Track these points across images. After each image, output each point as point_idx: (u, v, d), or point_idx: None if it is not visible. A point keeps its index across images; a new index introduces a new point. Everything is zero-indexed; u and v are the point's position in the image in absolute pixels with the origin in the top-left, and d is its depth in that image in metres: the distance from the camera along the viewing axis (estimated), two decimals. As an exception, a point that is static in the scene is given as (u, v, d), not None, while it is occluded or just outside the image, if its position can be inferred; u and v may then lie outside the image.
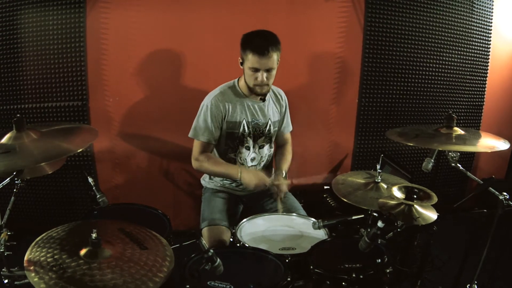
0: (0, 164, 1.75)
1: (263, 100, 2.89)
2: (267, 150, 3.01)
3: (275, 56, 2.65)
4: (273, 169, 3.10)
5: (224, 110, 2.78)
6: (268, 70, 2.67)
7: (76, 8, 3.17)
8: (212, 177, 3.04)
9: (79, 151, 1.96)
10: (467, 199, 2.45)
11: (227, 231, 2.68)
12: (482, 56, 4.07)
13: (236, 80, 2.89)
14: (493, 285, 2.75)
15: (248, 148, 2.91)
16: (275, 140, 3.12)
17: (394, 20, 3.66)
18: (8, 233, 1.94)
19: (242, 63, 2.74)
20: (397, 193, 2.06)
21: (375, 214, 2.39)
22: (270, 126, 2.94)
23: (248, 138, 2.88)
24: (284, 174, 2.92)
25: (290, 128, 3.20)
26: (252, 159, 2.95)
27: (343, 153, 3.98)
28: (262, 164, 3.01)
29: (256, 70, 2.66)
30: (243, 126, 2.84)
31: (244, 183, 2.71)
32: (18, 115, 1.96)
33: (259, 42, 2.63)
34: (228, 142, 2.87)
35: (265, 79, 2.68)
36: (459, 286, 2.65)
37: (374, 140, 3.94)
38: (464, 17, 3.87)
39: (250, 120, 2.86)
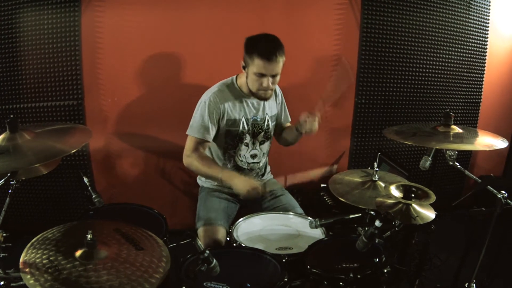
0: (-6, 166, 1.74)
1: None
2: (267, 146, 3.01)
3: (281, 62, 2.61)
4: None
5: (222, 108, 2.76)
6: (274, 76, 2.64)
7: (71, 7, 3.15)
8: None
9: (73, 152, 1.94)
10: (466, 198, 2.44)
11: (223, 230, 2.66)
12: (479, 53, 4.06)
13: (234, 77, 2.86)
14: (492, 283, 2.75)
15: (246, 145, 2.90)
16: (276, 133, 3.12)
17: (390, 18, 3.65)
18: (4, 235, 1.93)
19: (244, 67, 2.69)
20: (394, 192, 2.05)
21: (372, 213, 2.38)
22: (268, 121, 2.93)
23: (247, 135, 2.87)
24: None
25: (289, 119, 3.17)
26: (253, 156, 2.93)
27: (340, 151, 3.97)
28: (263, 160, 3.01)
29: (262, 75, 2.62)
30: (243, 124, 2.82)
31: (235, 189, 2.59)
32: (12, 116, 1.95)
33: (267, 47, 2.58)
34: (228, 140, 2.85)
35: (270, 84, 2.65)
36: (458, 284, 2.65)
37: (371, 138, 3.93)
38: (461, 14, 3.86)
39: (249, 117, 2.84)
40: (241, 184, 2.56)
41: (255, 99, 2.85)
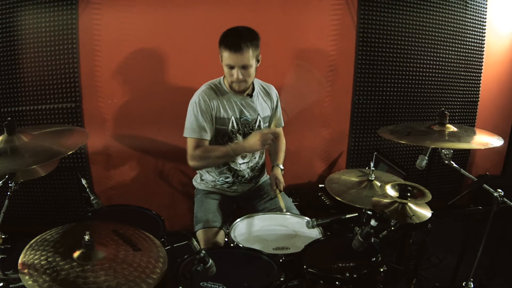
0: (-8, 168, 1.75)
1: (250, 96, 2.88)
2: None
3: (250, 52, 2.60)
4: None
5: (212, 105, 2.76)
6: (244, 67, 2.63)
7: (68, 10, 3.16)
8: (203, 178, 3.03)
9: (69, 153, 1.96)
10: (461, 197, 2.45)
11: (221, 232, 2.68)
12: (477, 52, 4.07)
13: (222, 77, 2.87)
14: (490, 281, 2.76)
15: None
16: None
17: (387, 17, 3.66)
18: (3, 236, 1.94)
19: (222, 61, 2.72)
20: (390, 191, 2.06)
21: (369, 212, 2.39)
22: (260, 121, 2.92)
23: (238, 135, 2.87)
24: (281, 167, 2.94)
25: (282, 124, 3.18)
26: (243, 156, 2.93)
27: (338, 151, 3.98)
28: (254, 161, 3.00)
29: (231, 67, 2.64)
30: (232, 123, 2.82)
31: (250, 150, 2.75)
32: (9, 118, 1.96)
33: (232, 38, 2.61)
34: (218, 138, 2.85)
35: (240, 76, 2.65)
36: (456, 283, 2.66)
37: (369, 137, 3.94)
38: (458, 13, 3.86)
39: (238, 116, 2.84)
40: (251, 142, 2.65)
41: (244, 98, 2.85)
